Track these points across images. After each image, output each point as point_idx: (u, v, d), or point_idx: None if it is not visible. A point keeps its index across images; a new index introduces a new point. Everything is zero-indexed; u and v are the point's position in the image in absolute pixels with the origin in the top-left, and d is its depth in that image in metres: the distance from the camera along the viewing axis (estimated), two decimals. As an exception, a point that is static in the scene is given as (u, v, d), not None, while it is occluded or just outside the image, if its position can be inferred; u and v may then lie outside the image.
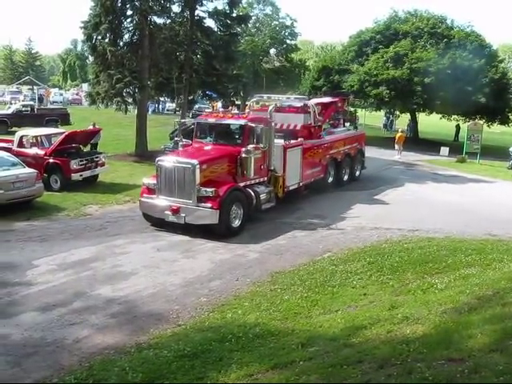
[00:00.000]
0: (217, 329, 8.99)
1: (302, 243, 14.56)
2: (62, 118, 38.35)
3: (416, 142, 40.53)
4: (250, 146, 15.84)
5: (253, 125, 16.42)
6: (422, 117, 48.40)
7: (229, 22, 31.48)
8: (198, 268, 12.43)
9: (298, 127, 19.97)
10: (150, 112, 27.95)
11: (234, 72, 35.37)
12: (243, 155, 15.62)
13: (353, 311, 9.55)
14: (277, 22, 64.72)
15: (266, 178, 17.10)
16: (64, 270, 12.08)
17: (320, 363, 7.25)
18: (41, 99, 56.07)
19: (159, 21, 30.00)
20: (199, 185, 14.64)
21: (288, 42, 65.57)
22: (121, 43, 28.85)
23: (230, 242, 14.40)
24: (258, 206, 16.19)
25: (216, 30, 31.76)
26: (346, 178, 23.30)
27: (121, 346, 8.63)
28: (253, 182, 16.33)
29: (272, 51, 65.58)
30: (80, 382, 7.41)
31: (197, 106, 42.21)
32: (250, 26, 55.05)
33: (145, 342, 8.73)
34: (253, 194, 16.02)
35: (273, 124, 17.35)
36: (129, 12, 28.39)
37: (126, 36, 29.16)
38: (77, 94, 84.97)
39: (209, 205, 14.51)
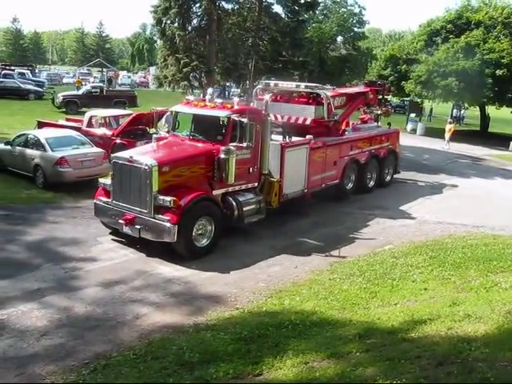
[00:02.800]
0: (274, 314, 9.05)
1: (363, 234, 14.40)
2: (129, 100, 39.13)
3: (484, 136, 39.33)
4: (232, 145, 12.72)
5: (237, 118, 12.84)
6: (491, 110, 46.84)
7: (296, 8, 31.21)
8: (258, 253, 12.50)
9: (308, 121, 16.78)
10: (214, 96, 28.05)
11: (300, 59, 35.05)
12: (222, 156, 12.43)
13: (412, 305, 9.39)
14: (345, 10, 63.70)
15: (256, 184, 13.90)
16: (126, 247, 12.41)
17: (377, 356, 7.19)
18: (110, 81, 57.27)
19: (227, 6, 30.13)
20: (157, 191, 11.71)
21: (355, 29, 64.52)
22: (189, 28, 29.10)
23: (289, 230, 14.37)
24: (240, 220, 13.15)
25: (283, 16, 31.58)
26: (371, 183, 19.62)
27: (179, 325, 8.80)
28: (237, 188, 13.25)
29: (339, 39, 64.67)
30: (139, 358, 7.60)
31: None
32: (317, 12, 54.44)
33: (202, 323, 8.88)
34: (234, 204, 13.03)
35: (269, 117, 14.08)
36: (198, -3, 28.62)
37: (195, 21, 29.40)
38: (144, 77, 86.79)
39: (166, 218, 11.57)
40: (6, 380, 7.08)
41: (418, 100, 44.93)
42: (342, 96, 19.11)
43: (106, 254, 11.96)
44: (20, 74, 56.67)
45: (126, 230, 12.10)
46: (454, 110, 50.95)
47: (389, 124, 21.32)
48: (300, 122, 16.83)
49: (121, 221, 12.15)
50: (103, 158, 17.38)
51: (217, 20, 28.19)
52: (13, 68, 61.96)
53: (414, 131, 41.24)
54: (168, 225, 11.49)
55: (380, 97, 21.74)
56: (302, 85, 18.11)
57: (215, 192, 12.75)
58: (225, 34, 29.43)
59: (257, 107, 14.85)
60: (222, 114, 13.29)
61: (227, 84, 51.53)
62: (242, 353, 7.67)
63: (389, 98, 23.58)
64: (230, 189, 13.10)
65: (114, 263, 11.37)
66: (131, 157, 12.19)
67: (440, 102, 45.13)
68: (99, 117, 21.45)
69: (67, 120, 23.82)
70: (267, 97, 14.84)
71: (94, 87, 42.08)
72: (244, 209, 13.13)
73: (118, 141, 20.07)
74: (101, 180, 13.37)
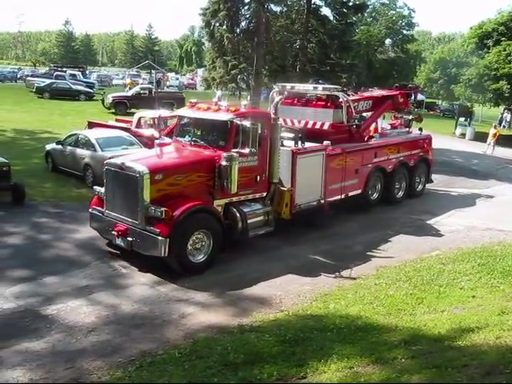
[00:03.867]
0: (319, 318, 9.01)
1: (410, 239, 14.19)
2: (177, 101, 39.59)
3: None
4: (234, 151, 11.84)
5: (240, 122, 11.92)
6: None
7: (345, 10, 31.04)
8: (303, 256, 12.47)
9: (326, 126, 15.44)
10: (262, 99, 28.14)
11: (348, 62, 34.84)
12: (223, 163, 11.49)
13: (460, 313, 9.20)
14: (394, 12, 63.10)
15: (264, 194, 12.91)
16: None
17: (423, 363, 7.08)
18: (158, 83, 58.18)
19: (276, 8, 30.17)
20: (150, 201, 10.86)
21: (404, 32, 63.78)
22: (237, 30, 29.30)
23: (334, 234, 14.29)
24: (244, 232, 12.19)
25: (332, 18, 31.45)
26: (400, 194, 18.03)
27: (224, 325, 8.85)
28: (242, 198, 12.32)
29: (387, 41, 64.03)
30: (184, 357, 7.68)
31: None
32: (366, 15, 54.03)
33: (247, 324, 8.91)
34: (238, 215, 12.10)
35: (279, 121, 13.09)
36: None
37: (243, 23, 29.58)
38: (192, 79, 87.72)
39: (157, 230, 10.69)
40: (55, 373, 7.26)
41: (468, 104, 44.07)
42: (367, 100, 17.90)
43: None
44: (71, 75, 58.19)
45: (119, 241, 11.34)
46: (505, 114, 49.75)
47: (420, 129, 19.88)
48: (317, 126, 15.57)
49: (113, 232, 11.35)
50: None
51: (265, 22, 28.29)
52: (64, 69, 63.73)
53: (463, 136, 40.44)
54: (159, 238, 10.58)
55: (412, 101, 20.27)
56: (320, 87, 16.83)
57: (217, 202, 11.83)
58: (273, 36, 29.51)
59: (265, 111, 13.83)
60: (224, 117, 12.21)
61: (274, 86, 51.67)
62: (286, 355, 7.66)
63: (437, 101, 22.30)
64: (235, 199, 12.11)
65: (160, 262, 11.51)
66: (123, 163, 11.36)
67: (491, 106, 44.23)
68: (148, 118, 21.77)
69: (117, 121, 24.26)
70: (277, 99, 13.78)
71: (142, 89, 42.75)
72: (249, 221, 12.16)
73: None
74: (96, 188, 12.49)
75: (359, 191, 16.01)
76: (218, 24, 28.32)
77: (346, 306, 9.59)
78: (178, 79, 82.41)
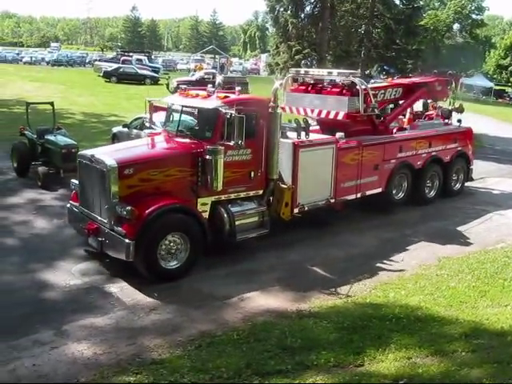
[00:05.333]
0: (378, 306, 8.94)
1: (473, 230, 13.83)
2: (240, 86, 39.72)
3: None
4: (220, 143, 10.46)
5: (227, 110, 10.43)
6: None
7: (412, -6, 30.45)
8: (363, 244, 12.37)
9: (340, 116, 13.67)
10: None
11: (414, 47, 34.12)
12: (207, 156, 10.23)
13: (525, 308, 8.96)
14: (463, -4, 61.25)
15: (261, 192, 11.55)
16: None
17: (484, 357, 6.97)
18: (222, 68, 58.52)
19: (341, -7, 29.86)
20: (119, 198, 9.71)
21: (474, 16, 61.80)
22: (302, 15, 29.23)
23: (395, 222, 14.11)
24: (231, 235, 10.90)
25: (398, 2, 30.89)
26: (431, 193, 16.07)
27: (282, 310, 8.90)
28: (233, 196, 11.03)
29: (455, 26, 62.28)
30: (242, 339, 7.80)
31: (372, 81, 41.55)
32: (434, -1, 52.68)
33: (305, 309, 8.92)
34: (225, 215, 10.84)
35: (278, 110, 11.54)
36: (312, -16, 28.60)
37: (308, 8, 29.47)
38: (255, 64, 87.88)
39: (123, 231, 9.59)
40: (118, 349, 7.51)
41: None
42: (396, 87, 15.88)
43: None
44: (137, 60, 59.31)
45: (91, 241, 10.29)
46: None
47: (459, 121, 17.45)
48: (331, 116, 13.85)
49: (85, 230, 10.30)
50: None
51: (330, 7, 28.09)
52: (131, 54, 64.95)
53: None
54: (124, 240, 9.46)
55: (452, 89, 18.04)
56: (335, 71, 14.91)
57: (202, 200, 10.60)
58: (338, 21, 29.26)
59: (261, 98, 11.97)
60: (209, 105, 10.89)
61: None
62: (343, 342, 7.69)
63: (507, 89, 20.43)
64: (223, 197, 10.84)
65: (239, 244, 11.39)
66: (92, 156, 10.27)
67: None
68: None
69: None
70: (277, 84, 12.32)
71: (206, 73, 43.15)
72: (237, 222, 10.87)
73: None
74: (72, 181, 11.34)
75: (379, 190, 14.21)
76: (282, 9, 28.33)
77: (406, 296, 9.46)
78: (241, 64, 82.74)
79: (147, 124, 12.73)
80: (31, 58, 76.50)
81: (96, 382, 6.66)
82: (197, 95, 11.50)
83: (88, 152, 10.67)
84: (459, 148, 16.93)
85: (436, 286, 9.97)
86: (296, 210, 12.16)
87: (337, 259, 11.37)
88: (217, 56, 79.21)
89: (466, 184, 17.57)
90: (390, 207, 14.76)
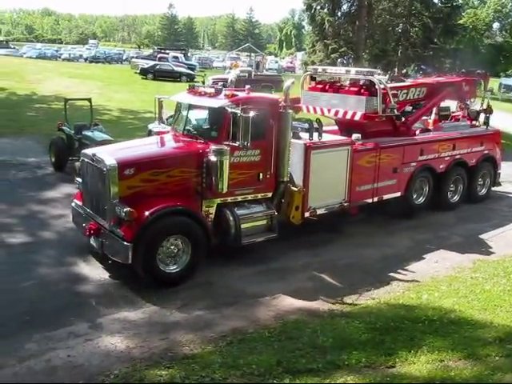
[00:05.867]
0: (410, 308, 8.88)
1: (510, 233, 13.58)
2: (276, 84, 39.78)
3: None
4: (225, 144, 10.00)
5: (234, 110, 9.98)
6: None
7: (451, -7, 30.05)
8: (397, 244, 12.27)
9: (358, 116, 13.02)
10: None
11: (452, 47, 33.69)
12: (211, 158, 9.82)
13: (562, 314, 8.78)
14: (505, -6, 60.10)
15: (269, 194, 11.06)
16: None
17: (519, 362, 6.85)
18: (257, 66, 58.63)
19: (378, -9, 29.64)
20: (119, 199, 9.37)
21: (515, 15, 60.61)
22: (339, 13, 29.10)
23: (431, 223, 13.94)
24: (236, 239, 10.42)
25: (437, 1, 30.50)
26: (455, 198, 15.37)
27: (314, 309, 8.90)
28: (240, 198, 10.58)
29: (495, 25, 61.20)
30: (273, 337, 7.84)
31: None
32: (474, -3, 51.85)
33: (337, 309, 8.92)
34: (231, 218, 10.39)
35: (289, 110, 10.96)
36: (349, -17, 28.48)
37: (345, 6, 29.36)
38: (291, 62, 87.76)
39: (121, 233, 9.29)
40: (151, 343, 7.62)
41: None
42: (420, 87, 15.10)
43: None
44: (174, 57, 59.67)
45: (92, 241, 9.99)
46: None
47: (485, 123, 16.68)
48: (348, 116, 13.25)
49: (86, 229, 9.99)
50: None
51: (367, 5, 27.91)
52: (167, 52, 65.43)
53: None
54: (123, 242, 9.17)
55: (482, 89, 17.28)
56: (353, 70, 14.41)
57: (207, 203, 10.22)
58: (375, 19, 29.06)
59: (272, 97, 11.59)
60: (215, 104, 10.49)
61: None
62: (375, 343, 7.66)
63: None
64: (230, 199, 10.41)
65: (271, 243, 11.31)
66: (94, 154, 10.01)
67: None
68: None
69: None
70: (288, 82, 11.50)
71: (242, 71, 43.23)
72: (243, 225, 10.40)
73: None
74: (77, 178, 11.04)
75: (398, 194, 13.61)
76: (319, 7, 28.25)
77: (440, 298, 9.36)
78: (277, 62, 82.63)
79: (156, 122, 12.17)
80: (70, 54, 77.65)
81: (110, 382, 6.70)
82: (204, 93, 11.07)
83: (90, 150, 10.43)
84: (486, 151, 16.10)
85: (470, 288, 9.84)
86: (307, 214, 11.66)
87: (370, 259, 11.30)
88: (252, 54, 79.28)
89: (501, 188, 17.12)
90: (411, 212, 14.17)
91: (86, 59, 73.62)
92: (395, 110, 13.42)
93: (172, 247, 9.53)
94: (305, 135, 11.78)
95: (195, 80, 47.92)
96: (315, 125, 11.98)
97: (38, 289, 9.13)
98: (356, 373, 6.91)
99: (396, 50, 30.17)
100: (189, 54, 79.62)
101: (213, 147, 9.82)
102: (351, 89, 13.69)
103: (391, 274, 10.52)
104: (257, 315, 8.66)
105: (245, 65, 62.58)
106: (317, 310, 8.88)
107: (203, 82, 40.68)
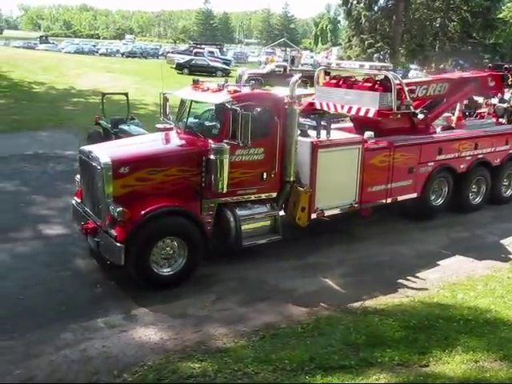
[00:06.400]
0: (445, 307, 8.78)
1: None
2: (311, 79, 39.56)
3: None
4: (226, 142, 9.53)
5: (234, 106, 9.50)
6: None
7: (492, -14, 29.47)
8: (432, 242, 12.11)
9: (371, 113, 12.33)
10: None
11: (492, 41, 33.06)
12: (211, 156, 9.38)
13: None
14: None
15: (274, 194, 10.63)
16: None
17: (557, 365, 6.72)
18: (293, 61, 58.42)
19: (417, -15, 29.28)
20: (114, 198, 8.98)
21: (559, 9, 59.02)
22: (375, 8, 28.89)
23: (467, 221, 13.72)
24: (237, 241, 10.04)
25: (476, -5, 29.98)
26: (477, 199, 14.54)
27: (347, 306, 8.86)
28: (242, 198, 10.20)
29: (538, 19, 59.66)
30: (306, 332, 7.85)
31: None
32: (515, -10, 50.69)
33: (371, 306, 8.85)
34: (231, 219, 9.97)
35: (296, 106, 10.44)
36: (387, -23, 28.20)
37: (381, 1, 29.20)
38: (326, 57, 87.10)
39: (114, 234, 8.93)
40: (184, 335, 7.70)
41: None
42: (441, 82, 14.11)
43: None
44: (209, 52, 60.00)
45: (89, 240, 9.70)
46: None
47: (510, 121, 15.77)
48: (362, 113, 12.57)
49: (83, 228, 9.72)
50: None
51: (404, 0, 27.52)
52: (203, 47, 65.78)
53: None
54: (114, 243, 8.82)
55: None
56: (367, 64, 13.81)
57: (207, 203, 9.79)
58: (412, 14, 28.77)
59: (276, 93, 11.01)
60: (216, 100, 10.06)
61: (412, 66, 50.22)
62: (408, 341, 7.61)
63: None
64: (231, 199, 10.02)
65: (305, 238, 11.44)
66: (90, 152, 9.71)
67: None
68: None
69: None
70: (296, 77, 10.85)
71: (277, 66, 43.20)
72: (243, 226, 9.99)
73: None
74: (77, 176, 10.79)
75: (414, 195, 12.93)
76: (355, 1, 28.15)
77: (475, 298, 9.23)
78: (312, 57, 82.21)
79: (161, 118, 11.84)
80: (107, 49, 78.69)
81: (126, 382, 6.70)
82: (207, 89, 10.63)
83: (87, 148, 10.10)
84: (511, 151, 15.21)
85: (507, 288, 9.67)
86: (314, 216, 11.06)
87: (404, 257, 11.20)
88: (288, 49, 79.08)
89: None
90: (428, 213, 13.52)
91: (122, 54, 74.45)
92: (411, 107, 12.75)
93: (168, 248, 9.16)
94: (313, 133, 11.19)
95: (230, 75, 48.18)
96: (323, 122, 11.33)
97: (74, 280, 9.32)
98: (389, 371, 6.88)
99: (433, 45, 29.80)
100: (224, 49, 79.92)
101: (212, 145, 9.40)
102: (365, 84, 12.92)
103: (426, 272, 10.40)
104: (290, 310, 8.67)
105: (280, 60, 62.47)
106: (350, 306, 8.83)
107: (240, 77, 41.07)
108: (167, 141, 10.74)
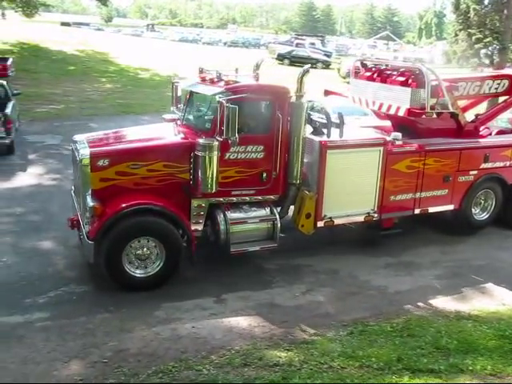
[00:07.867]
0: (547, 318, 8.34)
1: None
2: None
3: None
4: (217, 138, 8.56)
5: (222, 99, 8.44)
6: None
7: None
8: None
9: (402, 112, 10.98)
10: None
11: None
12: (198, 153, 8.48)
13: None
14: None
15: (275, 197, 9.52)
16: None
17: None
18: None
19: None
20: (92, 192, 8.38)
21: None
22: (485, 1, 27.71)
23: None
24: (226, 246, 9.03)
25: None
26: None
27: (440, 308, 8.63)
28: (236, 199, 9.23)
29: None
30: (395, 332, 7.72)
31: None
32: None
33: (465, 311, 8.57)
34: (222, 222, 9.00)
35: (301, 100, 9.30)
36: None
37: (492, -6, 27.82)
38: (429, 52, 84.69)
39: (87, 229, 8.40)
40: (271, 324, 7.77)
41: None
42: (499, 79, 12.44)
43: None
44: (311, 43, 59.80)
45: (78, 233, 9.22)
46: None
47: None
48: (392, 111, 11.32)
49: (69, 221, 9.35)
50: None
51: (518, -6, 26.23)
52: (304, 38, 65.63)
53: None
54: (86, 240, 8.34)
55: None
56: (401, 57, 12.28)
57: (196, 202, 8.94)
58: (525, 8, 27.22)
59: (280, 85, 9.52)
60: (209, 91, 9.26)
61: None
62: (503, 351, 7.32)
63: None
64: (224, 199, 9.12)
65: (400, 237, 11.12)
66: (76, 141, 9.25)
67: None
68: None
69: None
70: (305, 67, 9.61)
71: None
72: (233, 230, 9.00)
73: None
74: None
75: (450, 207, 11.45)
76: (464, -5, 27.02)
77: None
78: (414, 51, 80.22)
79: (171, 108, 10.92)
80: (210, 38, 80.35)
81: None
82: (208, 79, 9.75)
83: (77, 137, 9.46)
84: None
85: None
86: (321, 224, 9.89)
87: (504, 263, 10.71)
88: (390, 42, 77.48)
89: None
90: (469, 229, 12.00)
91: (224, 43, 75.68)
92: (449, 107, 11.13)
93: (144, 249, 8.48)
94: (334, 131, 9.82)
95: (331, 67, 47.91)
96: (334, 119, 9.83)
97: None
98: (479, 380, 6.66)
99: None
100: (326, 41, 79.41)
101: (200, 141, 8.53)
102: (398, 79, 11.34)
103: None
104: (380, 308, 8.54)
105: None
106: (442, 309, 8.60)
107: (339, 69, 40.71)
108: (157, 133, 10.00)
